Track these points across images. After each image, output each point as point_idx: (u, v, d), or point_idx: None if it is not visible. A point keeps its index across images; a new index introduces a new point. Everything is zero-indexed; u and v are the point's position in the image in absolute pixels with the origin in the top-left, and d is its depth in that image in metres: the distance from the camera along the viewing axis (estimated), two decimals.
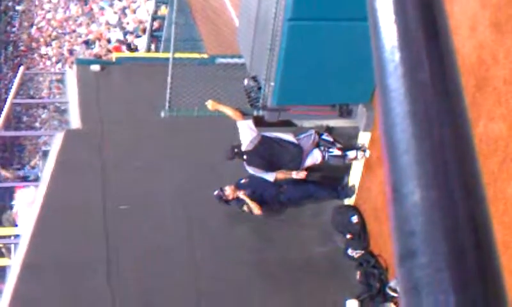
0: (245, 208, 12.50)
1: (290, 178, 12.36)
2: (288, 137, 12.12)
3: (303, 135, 12.24)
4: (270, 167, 12.17)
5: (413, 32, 0.97)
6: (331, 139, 12.26)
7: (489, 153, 8.56)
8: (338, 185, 13.14)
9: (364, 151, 12.33)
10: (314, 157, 12.21)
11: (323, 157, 12.22)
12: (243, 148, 11.89)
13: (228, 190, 12.40)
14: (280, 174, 12.28)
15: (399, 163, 0.95)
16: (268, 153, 11.96)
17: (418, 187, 0.92)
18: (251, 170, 12.14)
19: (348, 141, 12.46)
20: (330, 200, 13.20)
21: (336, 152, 12.25)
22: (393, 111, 0.96)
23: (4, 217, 18.14)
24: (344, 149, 12.32)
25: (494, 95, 8.51)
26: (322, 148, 12.20)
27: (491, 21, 8.51)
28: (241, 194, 12.44)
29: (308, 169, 12.54)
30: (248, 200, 12.40)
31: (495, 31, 8.44)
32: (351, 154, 12.37)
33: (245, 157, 11.91)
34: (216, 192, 12.39)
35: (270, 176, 12.27)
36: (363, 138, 12.27)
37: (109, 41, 36.63)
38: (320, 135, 12.26)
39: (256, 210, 12.43)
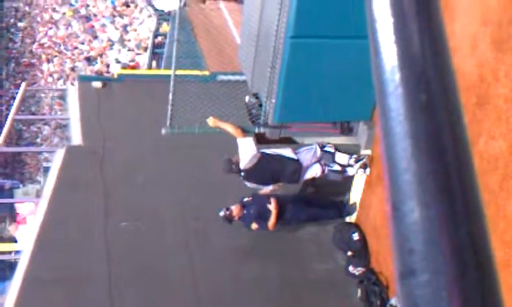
0: (253, 226, 12.47)
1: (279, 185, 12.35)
2: (287, 152, 12.11)
3: (302, 149, 12.23)
4: (267, 183, 12.19)
5: (413, 52, 0.98)
6: (332, 150, 12.25)
7: (489, 171, 8.57)
8: (340, 204, 13.14)
9: (364, 169, 12.34)
10: (314, 171, 12.20)
11: (323, 171, 12.21)
12: (241, 166, 11.90)
13: (235, 210, 12.35)
14: (275, 187, 12.30)
15: (399, 182, 0.95)
16: (266, 171, 11.96)
17: (418, 205, 0.93)
18: (248, 184, 12.15)
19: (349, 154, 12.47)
20: (329, 220, 13.20)
21: (336, 167, 12.26)
22: (394, 131, 0.97)
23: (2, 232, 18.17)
24: (344, 166, 12.33)
25: (494, 113, 8.53)
26: (322, 162, 12.20)
27: (492, 39, 8.54)
28: (271, 206, 12.40)
29: (308, 183, 12.58)
30: (274, 212, 12.36)
31: (496, 49, 8.46)
32: (351, 171, 12.39)
33: (242, 173, 11.92)
34: (221, 213, 12.31)
35: (266, 189, 12.28)
36: (364, 155, 12.28)
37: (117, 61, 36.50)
38: (322, 147, 12.25)
39: (271, 225, 12.40)
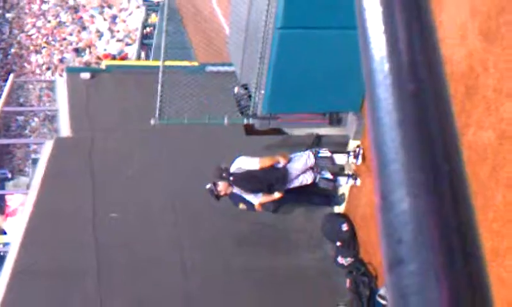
0: (241, 206, 12.43)
1: (272, 199, 12.31)
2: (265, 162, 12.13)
3: (293, 155, 12.23)
4: (255, 190, 12.14)
5: (402, 41, 0.98)
6: (329, 154, 12.27)
7: (478, 161, 8.59)
8: (329, 193, 13.14)
9: (355, 179, 12.40)
10: (305, 178, 12.21)
11: (314, 179, 12.23)
12: (231, 170, 11.91)
13: (221, 186, 12.23)
14: (264, 198, 12.25)
15: (388, 171, 0.95)
16: (254, 177, 11.94)
17: (406, 195, 0.93)
18: (236, 190, 12.12)
19: (338, 147, 12.48)
20: (320, 208, 13.21)
21: (328, 175, 12.29)
22: (382, 121, 0.97)
23: None
24: (336, 175, 12.38)
25: (483, 103, 8.55)
26: (314, 169, 12.21)
27: (480, 30, 8.55)
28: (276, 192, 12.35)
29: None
30: (275, 195, 12.31)
31: (485, 40, 8.47)
32: (342, 181, 12.47)
33: (231, 178, 11.90)
34: (208, 186, 12.23)
35: (255, 200, 12.25)
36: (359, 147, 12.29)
37: (113, 57, 36.13)
38: (316, 153, 12.24)
39: (257, 206, 12.34)
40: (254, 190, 12.14)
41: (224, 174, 11.89)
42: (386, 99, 0.97)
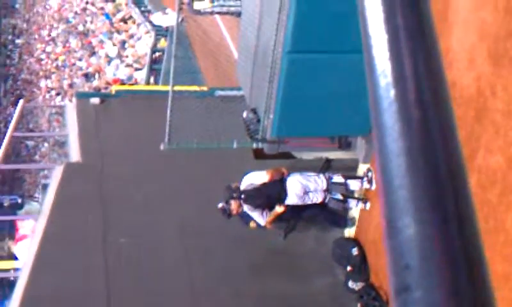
0: (251, 224, 12.40)
1: (275, 213, 12.27)
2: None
3: (306, 173, 12.22)
4: (264, 205, 12.12)
5: (407, 69, 0.98)
6: (343, 180, 12.26)
7: (488, 185, 8.57)
8: (340, 215, 13.09)
9: (365, 202, 12.38)
10: (315, 197, 12.17)
11: (324, 198, 12.19)
12: (242, 187, 11.91)
13: (233, 204, 12.24)
14: (269, 218, 12.23)
15: (394, 198, 0.96)
16: (262, 191, 11.93)
17: (412, 221, 0.93)
18: (246, 209, 12.10)
19: (347, 171, 12.46)
20: (330, 232, 13.16)
21: (339, 196, 12.26)
22: (388, 147, 0.97)
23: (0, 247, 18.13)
24: (346, 197, 12.35)
25: (492, 127, 8.53)
26: (327, 192, 12.19)
27: (489, 53, 8.55)
28: (278, 208, 12.32)
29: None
30: (277, 209, 12.28)
31: (493, 64, 8.48)
32: (352, 204, 12.45)
33: (242, 196, 11.89)
34: (220, 205, 12.23)
35: (262, 221, 12.23)
36: (362, 170, 12.28)
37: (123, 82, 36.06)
38: (329, 178, 12.23)
39: (268, 221, 12.31)
40: (263, 207, 12.13)
41: (235, 193, 11.89)
42: (392, 126, 0.97)
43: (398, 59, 0.99)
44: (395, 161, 0.96)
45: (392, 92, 0.98)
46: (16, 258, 17.82)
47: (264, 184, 11.92)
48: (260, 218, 12.17)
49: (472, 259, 0.92)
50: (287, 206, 12.19)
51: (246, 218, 12.38)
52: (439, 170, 0.95)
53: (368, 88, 1.03)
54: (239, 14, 14.46)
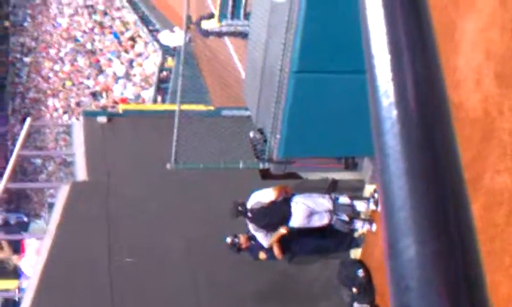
0: (261, 256, 12.40)
1: (279, 234, 12.26)
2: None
3: (311, 195, 12.22)
4: (270, 226, 12.12)
5: (409, 90, 0.98)
6: (349, 201, 12.26)
7: (495, 206, 8.54)
8: (347, 236, 13.07)
9: (371, 224, 12.37)
10: (321, 219, 12.16)
11: (330, 220, 12.18)
12: (248, 205, 11.90)
13: (242, 238, 12.27)
14: (273, 238, 12.22)
15: (395, 219, 0.95)
16: (268, 210, 11.93)
17: (413, 243, 0.93)
18: (251, 228, 12.10)
19: (354, 192, 12.46)
20: (336, 254, 13.14)
21: (344, 217, 12.25)
22: (390, 168, 0.97)
23: (6, 262, 18.15)
24: (352, 218, 12.33)
25: (500, 148, 8.52)
26: (332, 211, 12.18)
27: (495, 73, 8.55)
28: (274, 241, 12.33)
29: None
30: (275, 245, 12.28)
31: (500, 84, 8.47)
32: (358, 225, 12.43)
33: (249, 214, 11.90)
34: (228, 240, 12.26)
35: (265, 242, 12.22)
36: (368, 191, 12.27)
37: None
38: (335, 199, 12.23)
39: (277, 253, 12.30)
40: (267, 228, 12.12)
41: (240, 208, 11.89)
42: (394, 147, 0.97)
43: (400, 80, 0.98)
44: (396, 182, 0.96)
45: (394, 113, 0.98)
46: (21, 275, 17.82)
47: (271, 203, 11.92)
48: (263, 239, 12.15)
49: (472, 282, 0.92)
50: (292, 228, 12.19)
51: (255, 252, 12.39)
52: (441, 192, 0.94)
53: (370, 108, 1.02)
54: (245, 35, 14.52)
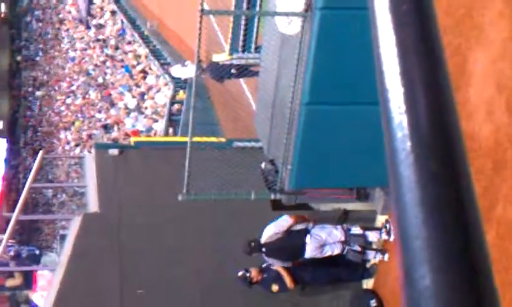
0: (273, 288, 12.37)
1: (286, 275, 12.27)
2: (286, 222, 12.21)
3: (323, 226, 12.23)
4: (287, 259, 12.14)
5: (423, 121, 0.99)
6: (361, 232, 12.24)
7: (508, 236, 8.51)
8: (360, 265, 13.03)
9: (383, 254, 12.34)
10: (333, 250, 12.15)
11: (342, 250, 12.16)
12: (262, 240, 11.92)
13: (253, 272, 12.28)
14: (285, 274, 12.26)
15: (410, 248, 0.96)
16: (286, 246, 11.95)
17: (429, 271, 0.94)
18: (270, 261, 12.12)
19: (366, 223, 12.44)
20: (348, 284, 13.09)
21: (357, 248, 12.23)
22: (404, 198, 0.98)
23: (18, 294, 18.14)
24: (364, 248, 12.31)
25: None
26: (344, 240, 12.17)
27: (507, 104, 8.55)
28: (276, 267, 12.34)
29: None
30: (284, 273, 12.27)
31: (511, 115, 8.47)
32: (370, 255, 12.41)
33: (264, 249, 11.91)
34: (240, 274, 12.26)
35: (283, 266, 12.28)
36: (380, 221, 12.24)
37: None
38: (348, 230, 12.23)
39: (289, 283, 12.29)
40: (288, 258, 12.14)
41: (254, 245, 11.89)
42: (408, 177, 0.98)
43: (414, 112, 1.00)
44: (411, 212, 0.97)
45: (408, 144, 0.99)
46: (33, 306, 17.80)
47: (287, 232, 11.93)
48: (283, 264, 12.22)
49: None
50: (304, 259, 12.20)
51: (267, 284, 12.37)
52: (455, 221, 0.95)
53: (385, 140, 1.04)
54: (256, 73, 14.57)
